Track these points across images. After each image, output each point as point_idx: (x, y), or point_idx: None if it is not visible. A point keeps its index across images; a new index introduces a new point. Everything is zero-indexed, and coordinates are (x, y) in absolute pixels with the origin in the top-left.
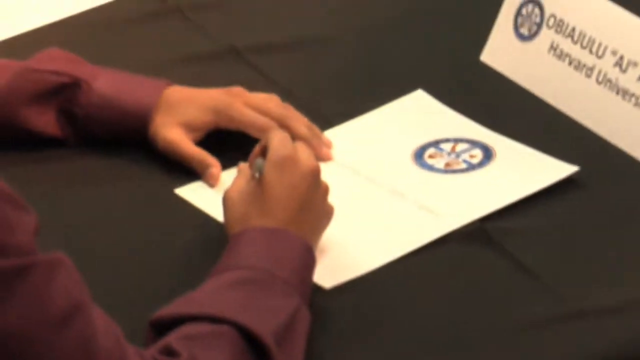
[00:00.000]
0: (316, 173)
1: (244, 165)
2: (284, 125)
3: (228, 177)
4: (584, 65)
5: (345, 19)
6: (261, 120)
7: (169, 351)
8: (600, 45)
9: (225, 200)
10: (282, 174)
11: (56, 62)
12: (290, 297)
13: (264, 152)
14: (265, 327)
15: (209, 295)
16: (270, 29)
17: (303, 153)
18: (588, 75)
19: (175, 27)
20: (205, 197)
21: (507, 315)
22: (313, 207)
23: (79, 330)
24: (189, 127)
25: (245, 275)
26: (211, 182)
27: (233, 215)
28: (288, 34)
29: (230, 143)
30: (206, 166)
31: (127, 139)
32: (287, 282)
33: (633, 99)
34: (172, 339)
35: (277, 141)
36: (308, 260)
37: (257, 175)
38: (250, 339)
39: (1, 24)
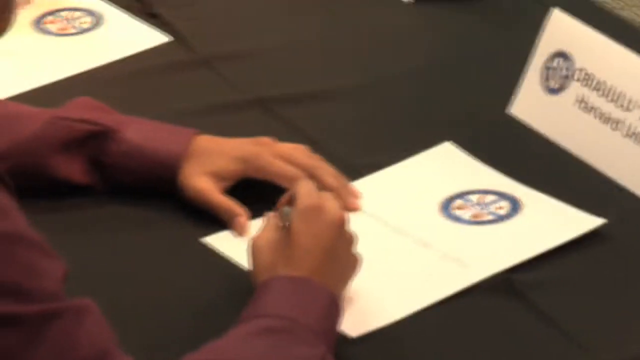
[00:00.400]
0: (342, 223)
1: (271, 214)
2: (312, 175)
3: (255, 226)
4: (611, 119)
5: (373, 70)
6: (289, 170)
7: None
8: (627, 99)
9: (252, 249)
10: (309, 223)
11: (85, 110)
12: (315, 346)
13: (291, 202)
14: None
15: (235, 343)
16: (297, 80)
17: (330, 203)
18: (615, 129)
19: (204, 78)
20: (232, 246)
21: None
22: (339, 256)
23: None
24: (217, 176)
25: (271, 323)
26: (238, 231)
27: (260, 264)
28: (316, 85)
29: (258, 193)
30: (234, 215)
31: (156, 187)
32: (312, 331)
33: None
34: None
35: (304, 191)
36: (333, 310)
37: (284, 223)
38: None
39: (32, 74)
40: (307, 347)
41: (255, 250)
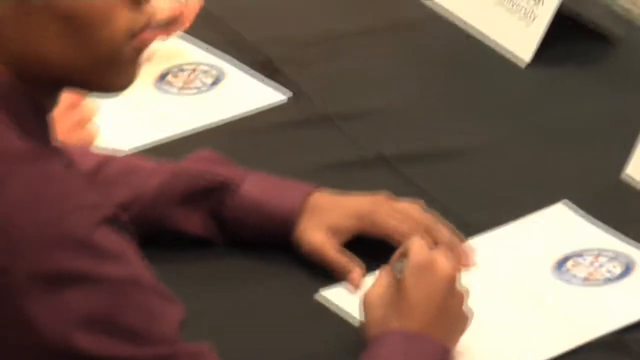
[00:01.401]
0: (453, 279)
1: (384, 269)
2: (427, 232)
3: (370, 281)
4: None
5: (491, 130)
6: (404, 226)
7: None
8: None
9: (364, 303)
10: (420, 278)
11: (206, 163)
12: None
13: (403, 257)
14: None
15: None
16: (417, 138)
17: (441, 259)
18: None
19: (324, 134)
20: (346, 301)
21: None
22: (450, 312)
23: None
24: (333, 231)
25: None
26: (353, 286)
27: (372, 318)
28: (435, 143)
29: (373, 248)
30: (348, 271)
31: (273, 241)
32: None
33: None
34: None
35: (417, 246)
36: (435, 352)
37: (396, 278)
38: None
39: (154, 128)
40: None
41: (367, 304)
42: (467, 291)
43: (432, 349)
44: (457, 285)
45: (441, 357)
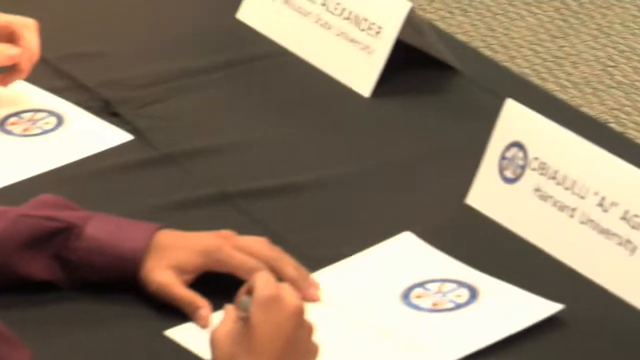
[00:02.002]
0: (300, 312)
1: (230, 306)
2: (272, 267)
3: (218, 318)
4: (567, 206)
5: (333, 164)
6: (249, 262)
7: None
8: (581, 186)
9: (212, 341)
10: (267, 313)
11: (48, 207)
12: None
13: (250, 293)
14: None
15: None
16: (259, 174)
17: (287, 292)
18: (571, 216)
19: (168, 174)
20: (195, 339)
21: None
22: (299, 346)
23: None
24: (179, 270)
25: None
26: (201, 324)
27: (220, 356)
28: (277, 180)
29: (220, 285)
30: (196, 308)
31: (120, 282)
32: None
33: (615, 239)
34: None
35: (262, 281)
36: None
37: (243, 314)
38: None
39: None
40: None
41: (214, 342)
42: (314, 325)
43: None
44: (305, 318)
45: None
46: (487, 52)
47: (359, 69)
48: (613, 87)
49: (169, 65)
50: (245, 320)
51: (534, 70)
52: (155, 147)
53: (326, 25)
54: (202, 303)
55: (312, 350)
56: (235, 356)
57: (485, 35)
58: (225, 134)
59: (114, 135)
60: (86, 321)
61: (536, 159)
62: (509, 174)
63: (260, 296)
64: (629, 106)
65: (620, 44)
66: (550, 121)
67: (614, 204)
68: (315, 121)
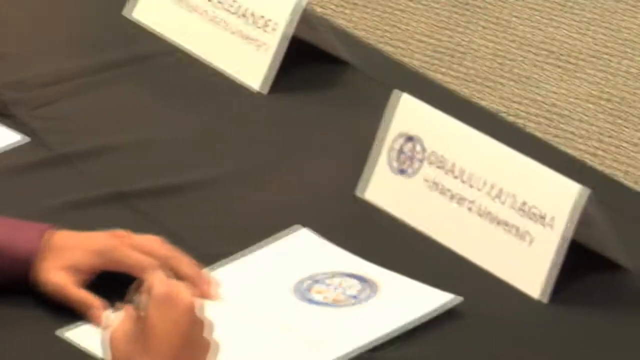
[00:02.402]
0: (196, 308)
1: (127, 306)
2: (168, 266)
3: (113, 318)
4: (463, 198)
5: (226, 161)
6: (145, 261)
7: None
8: (475, 177)
9: (108, 341)
10: (163, 311)
11: None
12: None
13: (145, 292)
14: None
15: None
16: (154, 174)
17: (182, 290)
18: (465, 207)
19: (63, 175)
20: (90, 339)
21: None
22: (195, 342)
23: None
24: (74, 270)
25: None
26: (96, 323)
27: (116, 356)
28: (172, 179)
29: (116, 285)
30: (90, 308)
31: (15, 283)
32: None
33: (512, 230)
34: None
35: (157, 280)
36: None
37: (138, 313)
38: None
39: None
40: None
41: (111, 342)
42: (211, 321)
43: None
44: (199, 315)
45: None
46: (385, 47)
47: (254, 66)
48: (511, 80)
49: (62, 66)
50: (141, 319)
51: (432, 64)
52: (50, 148)
53: (221, 23)
54: (96, 303)
55: (210, 346)
56: (132, 355)
57: (383, 30)
58: (119, 134)
59: (8, 137)
60: None
61: (431, 151)
62: (402, 166)
63: (156, 294)
64: (526, 98)
65: (518, 36)
66: (444, 114)
67: (510, 195)
68: (210, 119)
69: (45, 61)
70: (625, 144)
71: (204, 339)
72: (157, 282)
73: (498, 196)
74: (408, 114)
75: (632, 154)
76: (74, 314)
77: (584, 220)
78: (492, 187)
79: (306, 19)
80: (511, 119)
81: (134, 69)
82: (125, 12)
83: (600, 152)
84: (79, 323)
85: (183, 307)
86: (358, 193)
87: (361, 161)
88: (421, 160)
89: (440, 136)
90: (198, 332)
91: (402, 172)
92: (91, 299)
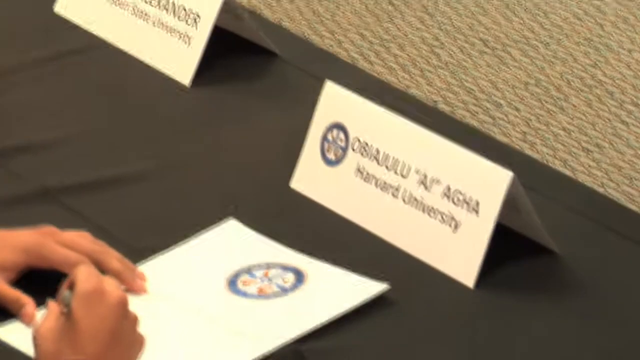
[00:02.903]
0: (123, 303)
1: (52, 302)
2: (96, 260)
3: (43, 315)
4: (390, 186)
5: (154, 155)
6: (72, 256)
7: None
8: (402, 165)
9: (36, 339)
10: (90, 307)
11: None
12: None
13: (72, 287)
14: None
15: None
16: (81, 169)
17: (109, 285)
18: (394, 195)
19: None
20: (21, 337)
21: None
22: (123, 337)
23: None
24: (0, 269)
25: None
26: (26, 321)
27: (44, 353)
28: (99, 173)
29: (44, 282)
30: (20, 305)
31: None
32: None
33: (439, 216)
34: None
35: (83, 275)
36: None
37: (65, 309)
38: None
39: None
40: None
41: (38, 340)
42: (137, 316)
43: None
44: (128, 310)
45: None
46: (314, 38)
47: (178, 58)
48: (440, 68)
49: None
50: (68, 315)
51: (361, 54)
52: None
53: (144, 16)
54: (26, 300)
55: (137, 341)
56: (60, 352)
57: (312, 21)
58: (45, 130)
59: None
60: None
61: (357, 139)
62: (330, 155)
63: (82, 290)
64: (456, 85)
65: (445, 24)
66: (367, 101)
67: (435, 181)
68: (136, 113)
69: None
70: (554, 129)
71: (135, 334)
72: (84, 277)
73: (423, 182)
74: (333, 102)
75: (561, 138)
76: (3, 312)
77: (510, 205)
78: (417, 172)
79: (230, 9)
80: (442, 106)
81: (59, 65)
82: (55, 8)
83: (529, 138)
84: (9, 321)
85: (111, 303)
86: (289, 184)
87: (290, 152)
88: (346, 149)
89: (365, 123)
90: (128, 327)
91: (329, 161)
92: (21, 297)
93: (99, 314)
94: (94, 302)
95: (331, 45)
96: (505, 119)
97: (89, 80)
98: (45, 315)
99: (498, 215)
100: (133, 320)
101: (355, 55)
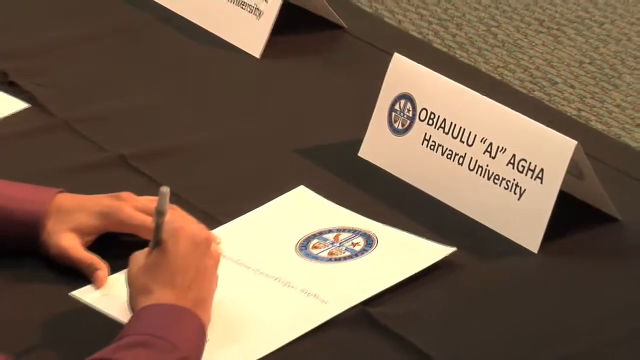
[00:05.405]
0: (209, 242)
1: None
2: None
3: (117, 279)
4: (456, 154)
5: (227, 124)
6: (149, 221)
7: None
8: (470, 134)
9: (129, 278)
10: (179, 242)
11: None
12: (172, 353)
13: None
14: None
15: (100, 353)
16: (157, 137)
17: (196, 225)
18: (460, 164)
19: (65, 139)
20: (100, 298)
21: None
22: (206, 274)
23: None
24: (79, 232)
25: (135, 338)
26: (97, 285)
27: (136, 288)
28: (172, 141)
29: (120, 246)
30: (94, 269)
31: (22, 247)
32: (171, 343)
33: (504, 183)
34: None
35: (170, 218)
36: (195, 325)
37: (156, 244)
38: None
39: None
40: (165, 353)
41: (129, 279)
42: (219, 256)
43: (182, 315)
44: (213, 249)
45: (188, 319)
46: (377, 13)
47: (249, 31)
48: (497, 46)
49: (60, 34)
50: (159, 251)
51: (420, 33)
52: (52, 114)
53: None
54: (100, 265)
55: (216, 281)
56: (148, 285)
57: (372, 0)
58: (119, 99)
59: (10, 104)
60: None
61: (424, 109)
62: (398, 125)
63: (172, 227)
64: (512, 64)
65: (502, 4)
66: (436, 73)
67: (500, 149)
68: (207, 83)
69: (42, 29)
70: (608, 106)
71: (215, 273)
72: (170, 219)
73: (488, 150)
74: (400, 73)
75: (614, 115)
76: (80, 274)
77: (573, 173)
78: (482, 141)
79: None
80: None
81: (132, 37)
82: None
83: (584, 114)
84: (87, 284)
85: (198, 240)
86: (357, 153)
87: (359, 122)
88: (413, 118)
89: (431, 94)
90: (211, 265)
91: (396, 130)
92: (96, 261)
93: (187, 249)
94: (182, 239)
95: (394, 22)
96: (560, 95)
97: (160, 52)
98: (137, 254)
99: (562, 183)
100: (216, 259)
101: (415, 35)
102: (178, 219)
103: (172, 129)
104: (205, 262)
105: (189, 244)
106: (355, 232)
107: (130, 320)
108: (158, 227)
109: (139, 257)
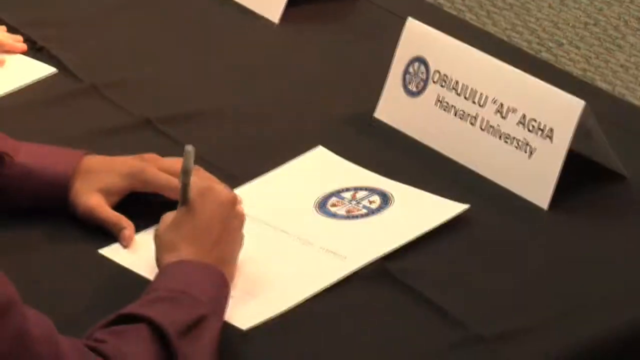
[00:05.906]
0: (234, 202)
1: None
2: None
3: (142, 238)
4: (468, 115)
5: (247, 88)
6: (174, 181)
7: (96, 339)
8: (481, 95)
9: (157, 237)
10: (205, 201)
11: None
12: (196, 308)
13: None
14: (168, 322)
15: (129, 308)
16: (180, 101)
17: (220, 185)
18: (472, 124)
19: (92, 104)
20: (127, 256)
21: (413, 344)
22: (232, 232)
23: (15, 322)
24: (106, 192)
25: (161, 294)
26: (124, 243)
27: (163, 245)
28: (195, 105)
29: (146, 205)
30: (120, 228)
31: (51, 206)
32: (195, 298)
33: (515, 142)
34: (98, 331)
35: (196, 179)
36: (218, 281)
37: (183, 203)
38: (160, 334)
39: None
40: (188, 308)
41: (156, 238)
42: (245, 215)
43: (205, 270)
44: (238, 208)
45: (214, 276)
46: None
47: None
48: (505, 9)
49: (88, 4)
50: (185, 209)
51: None
52: (80, 79)
53: None
54: (126, 224)
55: (241, 240)
56: (174, 243)
57: None
58: (144, 65)
59: (38, 69)
60: (19, 245)
61: (437, 71)
62: (412, 87)
63: (199, 186)
64: (520, 26)
65: None
66: (449, 36)
67: (511, 110)
68: (227, 48)
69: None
70: (612, 66)
71: (241, 232)
72: (197, 180)
73: (499, 111)
74: (414, 37)
75: (619, 75)
76: (107, 233)
77: (582, 132)
78: (494, 102)
79: None
80: None
81: (156, 4)
82: None
83: (589, 74)
84: (113, 243)
85: (223, 199)
86: (373, 114)
87: (374, 85)
88: (427, 80)
89: (444, 57)
90: (236, 224)
91: (410, 92)
92: (123, 220)
93: (213, 209)
94: (209, 197)
95: None
96: (567, 56)
97: (181, 19)
98: (167, 214)
99: (571, 142)
100: (241, 218)
101: None
102: (206, 179)
103: (195, 94)
104: (230, 221)
105: (215, 204)
106: (372, 190)
107: (157, 277)
108: (185, 186)
109: (168, 216)
